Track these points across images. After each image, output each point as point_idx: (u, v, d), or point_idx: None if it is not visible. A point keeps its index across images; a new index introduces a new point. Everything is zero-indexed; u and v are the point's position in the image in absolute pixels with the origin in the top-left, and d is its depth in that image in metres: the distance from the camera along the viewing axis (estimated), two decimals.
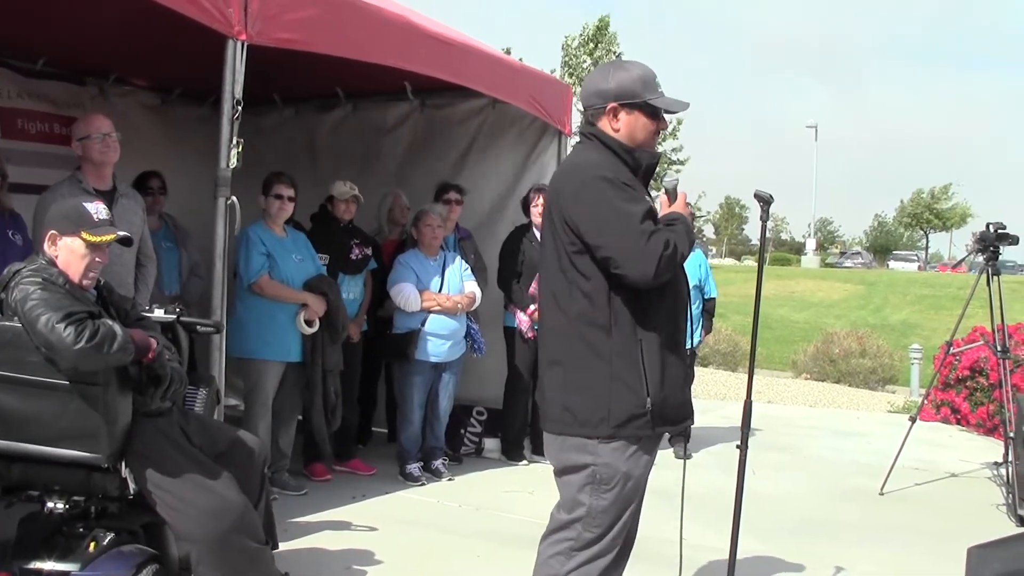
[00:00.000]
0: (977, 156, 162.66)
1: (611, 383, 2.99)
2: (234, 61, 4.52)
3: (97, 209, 3.53)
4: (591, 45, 33.21)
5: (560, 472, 3.15)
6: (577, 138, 3.36)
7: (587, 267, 3.01)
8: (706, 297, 7.72)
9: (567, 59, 33.38)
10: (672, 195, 3.23)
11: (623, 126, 3.10)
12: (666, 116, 3.21)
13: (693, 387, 7.68)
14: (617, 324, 2.99)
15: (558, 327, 3.10)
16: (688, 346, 3.19)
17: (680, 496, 3.47)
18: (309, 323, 5.77)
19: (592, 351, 3.01)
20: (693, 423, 3.23)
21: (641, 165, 3.13)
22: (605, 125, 3.13)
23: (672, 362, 3.06)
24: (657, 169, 3.78)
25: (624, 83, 3.09)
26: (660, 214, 3.15)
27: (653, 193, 3.32)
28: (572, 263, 3.03)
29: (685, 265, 3.21)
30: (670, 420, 3.08)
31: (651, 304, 3.01)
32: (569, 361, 3.06)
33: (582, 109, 3.25)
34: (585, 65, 32.55)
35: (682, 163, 34.21)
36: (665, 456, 7.56)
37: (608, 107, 3.11)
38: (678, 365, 3.09)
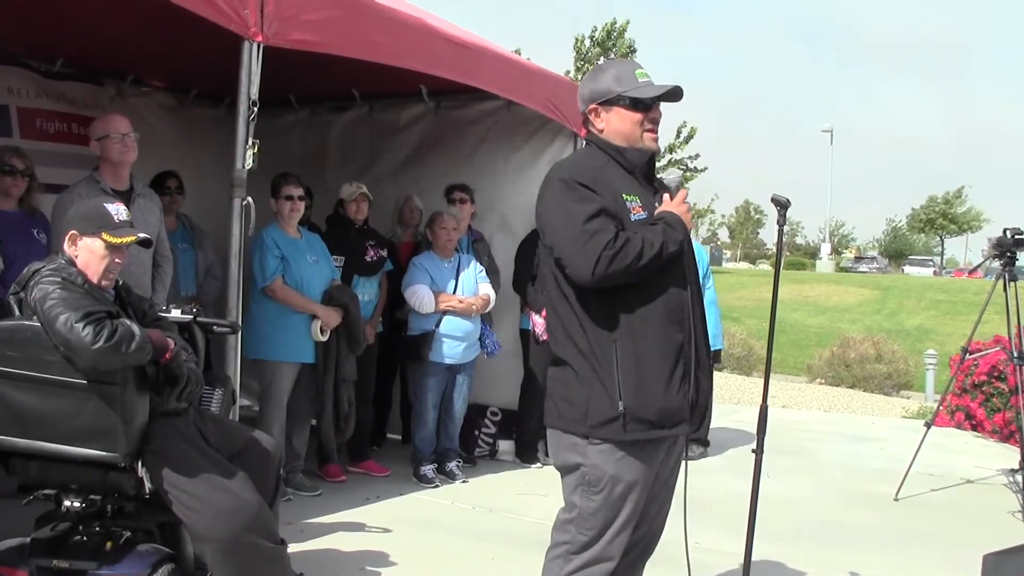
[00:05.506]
0: (993, 157, 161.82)
1: (591, 383, 3.01)
2: (250, 62, 4.53)
3: (118, 210, 3.56)
4: (599, 48, 32.94)
5: (560, 471, 3.16)
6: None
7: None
8: None
9: (579, 60, 33.14)
10: (672, 193, 3.22)
11: (605, 124, 3.16)
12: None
13: None
14: (592, 324, 3.01)
15: (552, 326, 3.17)
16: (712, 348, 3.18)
17: (684, 498, 3.45)
18: (323, 331, 5.78)
19: (576, 349, 3.05)
20: (699, 428, 3.17)
21: (635, 163, 3.16)
22: (593, 128, 3.20)
23: (654, 364, 3.00)
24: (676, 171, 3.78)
25: (597, 85, 3.17)
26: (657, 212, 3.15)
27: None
28: (553, 263, 3.08)
29: None
30: (655, 424, 3.01)
31: (626, 304, 3.00)
32: (559, 359, 3.11)
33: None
34: None
35: (699, 171, 33.91)
36: None
37: (588, 110, 3.19)
38: (662, 367, 3.02)
